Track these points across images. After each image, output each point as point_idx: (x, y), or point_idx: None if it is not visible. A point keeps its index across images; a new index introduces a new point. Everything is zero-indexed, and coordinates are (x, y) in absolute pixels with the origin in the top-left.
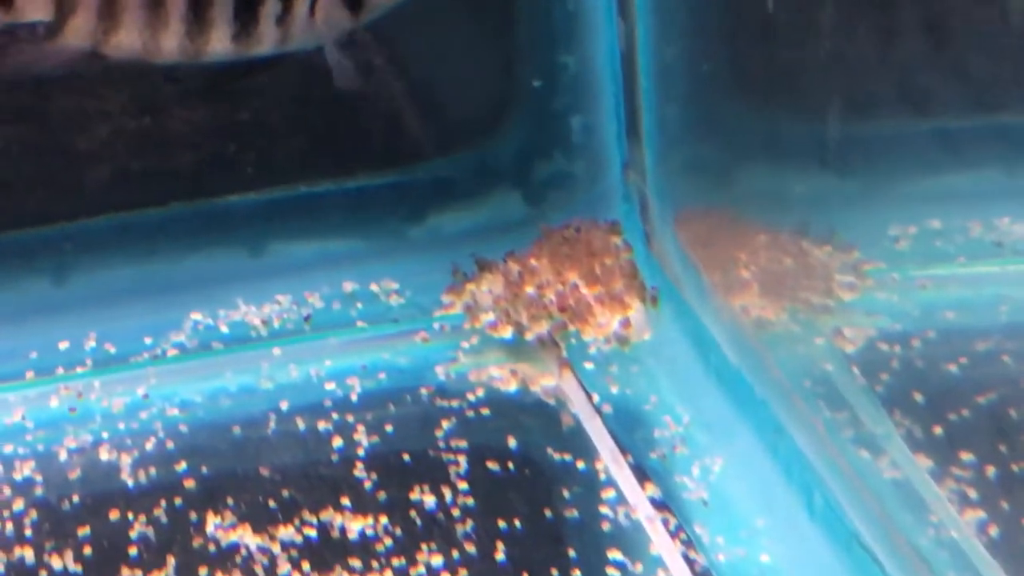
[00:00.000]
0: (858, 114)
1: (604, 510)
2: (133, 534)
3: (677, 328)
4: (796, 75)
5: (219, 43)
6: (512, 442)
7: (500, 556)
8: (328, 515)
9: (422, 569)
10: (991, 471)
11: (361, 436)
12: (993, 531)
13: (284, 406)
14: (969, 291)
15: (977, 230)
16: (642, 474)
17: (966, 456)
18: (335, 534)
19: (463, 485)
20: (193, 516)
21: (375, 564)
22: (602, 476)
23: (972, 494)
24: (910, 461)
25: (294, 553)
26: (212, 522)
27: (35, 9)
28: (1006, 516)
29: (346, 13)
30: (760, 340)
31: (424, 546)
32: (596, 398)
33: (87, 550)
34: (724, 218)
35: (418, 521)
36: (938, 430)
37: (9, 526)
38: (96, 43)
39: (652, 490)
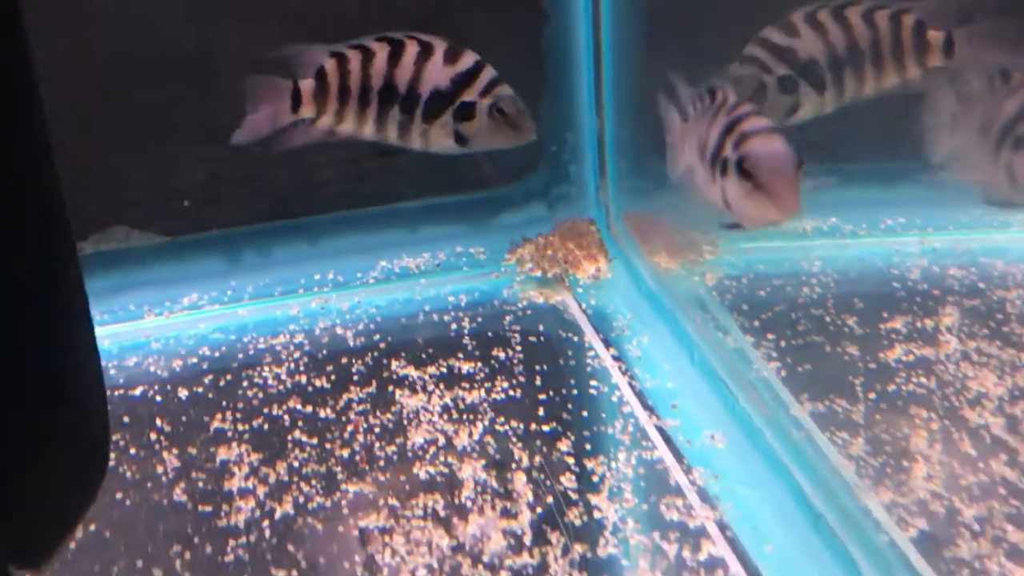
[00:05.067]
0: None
1: (588, 361)
2: (354, 370)
3: (624, 272)
4: None
5: (392, 136)
6: (541, 327)
7: (538, 382)
8: (451, 361)
9: (499, 388)
10: (782, 343)
11: (466, 323)
12: (784, 373)
13: (427, 308)
14: (770, 255)
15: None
16: (607, 343)
17: (771, 336)
18: (455, 371)
19: (518, 348)
20: (384, 361)
21: (475, 386)
22: (587, 344)
23: (774, 354)
24: (743, 338)
25: (435, 379)
26: (394, 364)
27: (307, 111)
28: (789, 365)
29: (455, 144)
30: (666, 278)
31: (499, 377)
32: (584, 306)
33: (332, 377)
34: (648, 217)
35: (496, 365)
36: (756, 323)
37: (291, 365)
38: (334, 128)
39: (612, 351)
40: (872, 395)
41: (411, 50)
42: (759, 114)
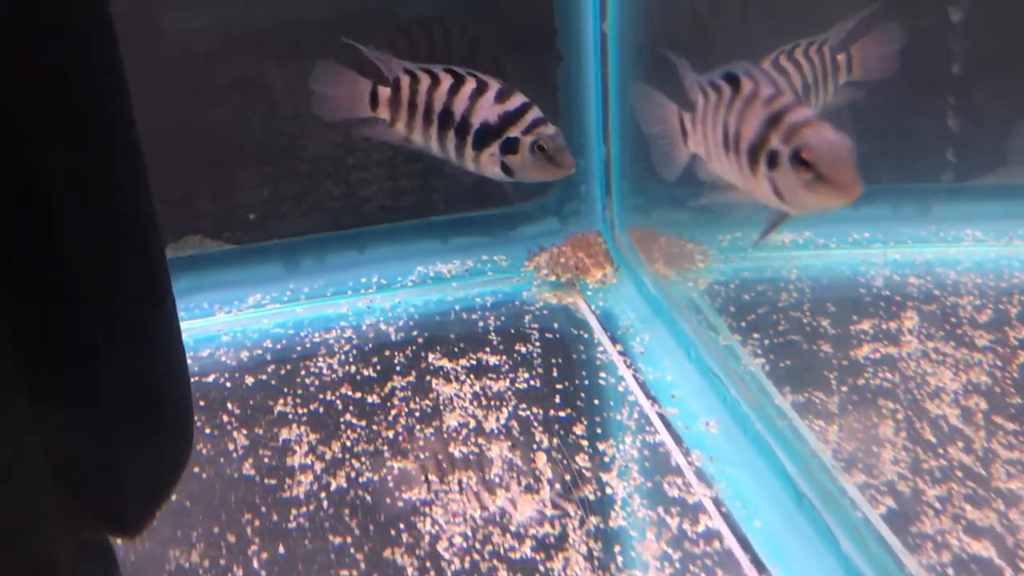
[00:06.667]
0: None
1: (597, 355)
2: (396, 361)
3: (628, 278)
4: None
5: (452, 156)
6: (556, 325)
7: (555, 373)
8: (480, 355)
9: (521, 379)
10: (767, 342)
11: (491, 322)
12: (768, 368)
13: (458, 308)
14: (754, 264)
15: (756, 237)
16: (613, 340)
17: (756, 335)
18: (483, 363)
19: (537, 343)
20: (422, 354)
21: (502, 377)
22: (596, 341)
23: (759, 351)
24: (732, 337)
25: (465, 370)
26: (431, 357)
27: (383, 112)
28: (772, 361)
29: (502, 172)
30: (664, 283)
31: (521, 369)
32: (593, 307)
33: (377, 368)
34: (648, 231)
35: (518, 358)
36: (743, 323)
37: (341, 356)
38: (407, 136)
39: (618, 347)
40: (844, 388)
41: (469, 85)
42: (800, 104)
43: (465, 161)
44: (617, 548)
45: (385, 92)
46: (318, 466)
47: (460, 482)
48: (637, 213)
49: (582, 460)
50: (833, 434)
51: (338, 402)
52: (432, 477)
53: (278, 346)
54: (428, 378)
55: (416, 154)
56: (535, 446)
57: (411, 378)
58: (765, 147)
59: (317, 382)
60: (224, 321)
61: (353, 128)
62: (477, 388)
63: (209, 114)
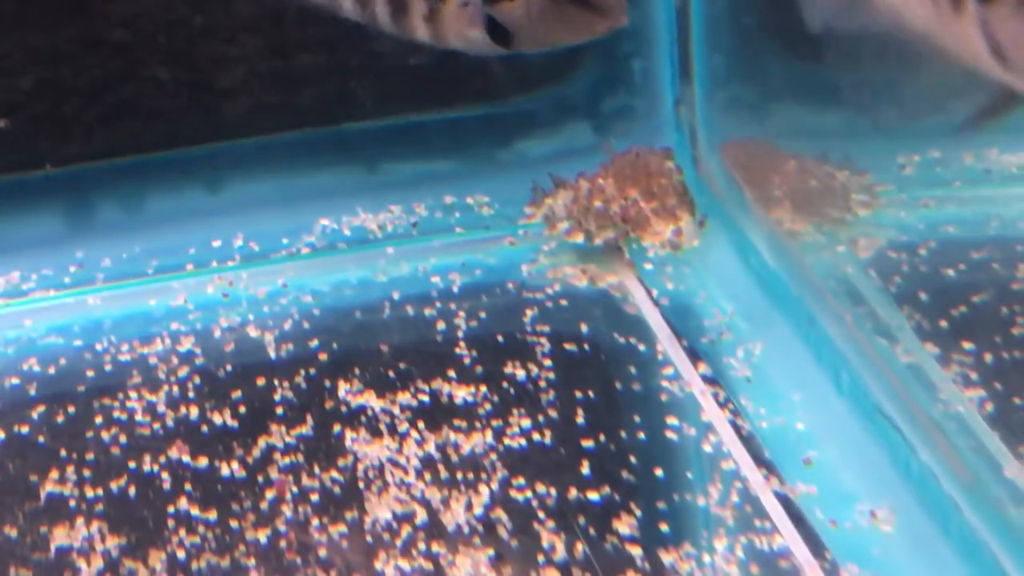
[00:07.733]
0: (870, 61)
1: (663, 384)
2: (277, 397)
3: (721, 237)
4: None
5: (382, 14)
6: (584, 328)
7: (580, 420)
8: (437, 384)
9: (515, 430)
10: (988, 358)
11: (461, 321)
12: (989, 407)
13: (396, 295)
14: (964, 209)
15: (969, 159)
16: (694, 355)
17: (967, 345)
18: (444, 400)
19: (547, 362)
20: (326, 383)
21: (477, 425)
22: (660, 356)
23: (973, 376)
24: (920, 348)
25: (410, 414)
26: (343, 388)
27: None
28: (1000, 395)
29: (486, 38)
30: (793, 247)
31: (515, 411)
32: (655, 293)
33: (241, 410)
34: (760, 147)
35: (511, 391)
36: (943, 323)
37: (176, 389)
38: None
39: (703, 368)
40: None
41: None
42: None
43: (411, 20)
44: None
45: None
46: None
47: None
48: (741, 114)
49: None
50: None
51: (164, 476)
52: None
53: (51, 370)
54: (337, 429)
55: (319, 10)
56: (542, 558)
57: (305, 429)
58: None
59: (125, 438)
60: None
61: None
62: (431, 448)
63: None
